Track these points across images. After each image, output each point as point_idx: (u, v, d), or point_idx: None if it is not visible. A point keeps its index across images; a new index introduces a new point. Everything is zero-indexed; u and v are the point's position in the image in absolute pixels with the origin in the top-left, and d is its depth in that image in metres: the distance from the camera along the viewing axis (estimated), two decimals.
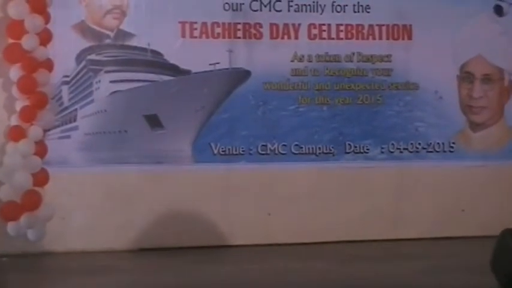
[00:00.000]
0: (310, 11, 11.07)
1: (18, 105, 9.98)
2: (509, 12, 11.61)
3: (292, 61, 11.03)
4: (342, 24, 11.17)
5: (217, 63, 10.79)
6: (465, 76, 11.52)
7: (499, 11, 11.61)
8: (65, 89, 10.49)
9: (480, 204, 10.96)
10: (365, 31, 11.23)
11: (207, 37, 10.82)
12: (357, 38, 11.20)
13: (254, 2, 10.96)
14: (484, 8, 11.56)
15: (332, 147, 11.15)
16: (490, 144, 11.56)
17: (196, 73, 10.77)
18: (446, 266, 8.45)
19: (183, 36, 10.77)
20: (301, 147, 11.05)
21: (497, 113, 11.63)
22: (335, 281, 7.80)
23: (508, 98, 11.64)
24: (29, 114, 9.96)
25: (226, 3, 10.87)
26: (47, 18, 10.16)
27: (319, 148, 11.10)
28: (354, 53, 11.21)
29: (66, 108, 10.49)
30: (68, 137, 10.46)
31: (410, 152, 11.32)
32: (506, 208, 10.67)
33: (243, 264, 9.18)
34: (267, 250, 10.09)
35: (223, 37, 10.86)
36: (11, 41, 10.04)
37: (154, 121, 10.70)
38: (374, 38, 11.26)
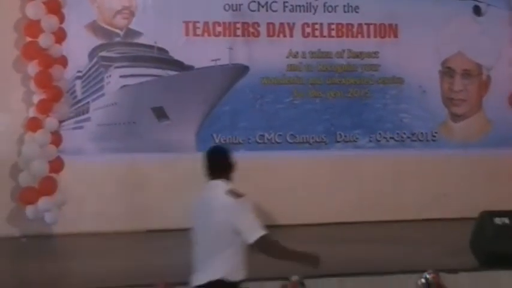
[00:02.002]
0: (304, 11, 11.06)
1: (36, 99, 10.00)
2: (487, 12, 11.60)
3: (287, 57, 11.02)
4: (333, 23, 11.16)
5: (218, 59, 10.79)
6: (446, 71, 11.51)
7: (477, 11, 11.60)
8: (78, 83, 10.48)
9: (460, 189, 10.95)
10: (354, 30, 11.21)
11: (209, 35, 10.81)
12: (347, 36, 11.19)
13: (252, 3, 10.94)
14: (464, 8, 11.55)
15: (324, 137, 11.14)
16: (469, 134, 11.55)
17: (199, 68, 10.76)
18: (429, 246, 8.43)
19: (187, 34, 10.76)
20: (296, 137, 11.04)
21: (476, 105, 11.62)
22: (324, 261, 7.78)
23: (486, 92, 11.63)
24: (45, 107, 9.98)
25: (227, 4, 10.86)
26: (62, 18, 10.17)
27: (313, 138, 11.09)
28: (344, 50, 11.19)
29: (80, 101, 10.48)
30: (81, 127, 10.46)
31: (396, 141, 11.32)
32: (484, 192, 10.64)
33: None
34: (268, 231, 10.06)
35: (224, 35, 10.86)
36: (28, 39, 10.06)
37: (160, 113, 10.68)
38: (363, 36, 11.25)
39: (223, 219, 4.87)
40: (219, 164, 5.20)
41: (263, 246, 4.86)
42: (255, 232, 4.85)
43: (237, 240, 4.85)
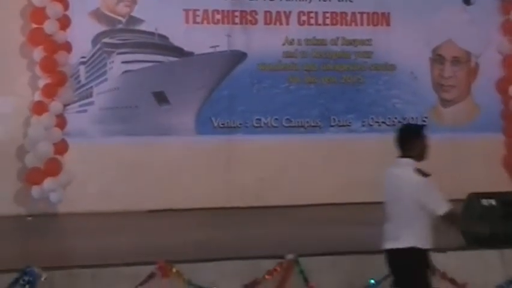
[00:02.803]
0: (300, 0, 11.02)
1: (41, 83, 9.99)
2: (475, 1, 11.57)
3: (283, 44, 10.99)
4: (327, 12, 11.13)
5: (217, 46, 10.76)
6: (437, 58, 11.49)
7: (467, 0, 11.57)
8: (82, 68, 10.45)
9: (449, 171, 10.92)
10: (348, 18, 11.18)
11: (208, 23, 10.77)
12: (341, 24, 11.16)
13: None
14: None
15: (319, 121, 11.13)
16: (458, 118, 11.53)
17: (198, 55, 10.73)
18: None
19: (187, 22, 10.73)
20: (292, 121, 11.03)
21: (465, 90, 11.61)
22: (318, 240, 7.80)
23: (474, 78, 11.61)
24: (50, 91, 9.97)
25: None
26: (66, 6, 10.14)
27: (307, 122, 11.08)
28: (338, 38, 11.16)
29: (83, 85, 10.45)
30: (85, 111, 10.44)
31: (388, 125, 11.29)
32: (472, 175, 10.64)
33: (238, 224, 9.17)
34: (259, 212, 10.07)
35: (223, 23, 10.82)
36: (34, 26, 10.03)
37: (161, 97, 10.67)
38: (356, 24, 11.22)
39: (412, 195, 5.30)
40: (408, 143, 5.45)
41: (450, 218, 5.32)
42: (442, 206, 5.28)
43: (425, 214, 5.27)
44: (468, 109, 11.61)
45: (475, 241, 6.79)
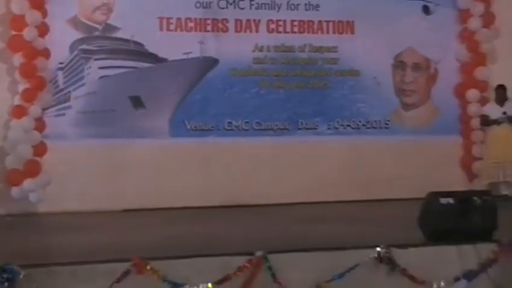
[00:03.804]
0: (269, 9, 11.05)
1: (20, 88, 9.93)
2: (435, 11, 11.66)
3: (253, 51, 11.01)
4: (295, 20, 11.16)
5: (190, 52, 10.75)
6: (398, 64, 11.56)
7: (426, 10, 11.66)
8: (60, 73, 10.39)
9: (410, 171, 11.01)
10: (315, 26, 11.22)
11: (181, 30, 10.76)
12: (308, 32, 11.20)
13: (221, 1, 10.91)
14: (414, 7, 11.60)
15: (287, 124, 11.15)
16: (419, 121, 11.62)
17: (172, 61, 10.71)
18: (381, 224, 8.49)
19: (161, 29, 10.71)
20: (261, 124, 11.04)
21: (425, 95, 11.69)
22: (286, 238, 7.81)
23: (434, 83, 11.70)
24: (29, 95, 9.90)
25: (198, 1, 10.82)
26: (45, 13, 10.10)
27: (276, 125, 11.10)
28: (305, 45, 11.20)
29: (61, 90, 10.39)
30: (63, 114, 10.38)
31: (353, 128, 11.36)
32: (431, 174, 10.71)
33: (211, 223, 9.17)
34: (230, 211, 10.07)
35: (195, 30, 10.81)
36: (13, 32, 9.96)
37: (137, 102, 10.63)
38: (322, 32, 11.26)
39: None
40: None
41: None
42: None
43: None
44: (428, 112, 11.69)
45: (434, 237, 6.84)
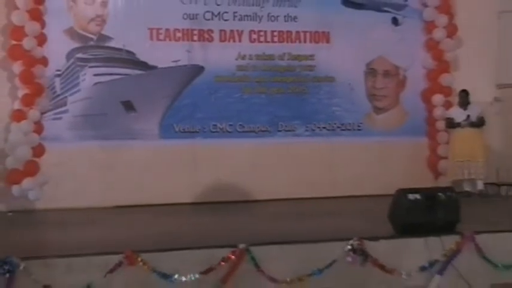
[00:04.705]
0: (251, 20, 11.05)
1: (20, 93, 9.89)
2: (403, 23, 11.70)
3: (237, 59, 11.00)
4: (275, 31, 11.16)
5: (178, 60, 10.73)
6: (370, 72, 11.59)
7: (395, 22, 11.70)
8: (57, 80, 10.34)
9: (381, 170, 11.05)
10: (293, 36, 11.23)
11: (170, 40, 10.73)
12: (287, 42, 11.20)
13: (207, 13, 10.89)
14: (385, 19, 11.63)
15: (268, 127, 11.15)
16: (389, 124, 11.64)
17: (161, 68, 10.69)
18: (354, 218, 8.50)
19: (151, 39, 10.68)
20: (244, 127, 11.04)
21: (395, 100, 11.72)
22: (267, 231, 7.81)
23: (402, 89, 11.74)
24: (28, 100, 9.86)
25: (185, 13, 10.80)
26: (43, 25, 10.06)
27: (258, 127, 11.10)
28: (285, 53, 11.21)
29: (58, 95, 10.34)
30: (60, 118, 10.33)
31: (329, 130, 11.38)
32: (400, 173, 10.75)
33: (197, 218, 9.15)
34: (215, 207, 10.05)
35: (183, 40, 10.79)
36: (13, 42, 9.92)
37: (128, 106, 10.60)
38: (300, 42, 11.27)
39: None
40: None
41: None
42: None
43: None
44: (397, 116, 11.73)
45: (403, 230, 6.86)
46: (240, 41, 11.03)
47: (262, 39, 11.13)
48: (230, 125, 10.98)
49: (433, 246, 6.67)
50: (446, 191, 7.12)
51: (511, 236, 6.99)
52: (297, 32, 11.25)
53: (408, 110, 11.70)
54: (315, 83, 11.33)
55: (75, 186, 10.04)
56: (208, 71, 10.83)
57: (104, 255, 6.11)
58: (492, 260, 6.75)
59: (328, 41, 11.38)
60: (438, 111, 11.52)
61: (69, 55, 10.40)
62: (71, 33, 10.43)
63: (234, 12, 11.00)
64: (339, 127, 11.42)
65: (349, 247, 6.44)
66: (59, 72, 10.34)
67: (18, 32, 9.87)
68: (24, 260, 5.83)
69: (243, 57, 11.04)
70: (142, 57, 10.60)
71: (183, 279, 6.07)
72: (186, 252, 6.26)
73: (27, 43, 9.85)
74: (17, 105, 9.86)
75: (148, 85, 10.61)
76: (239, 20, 11.02)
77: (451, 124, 10.97)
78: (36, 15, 9.97)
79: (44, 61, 10.06)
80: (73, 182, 10.06)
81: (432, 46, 11.65)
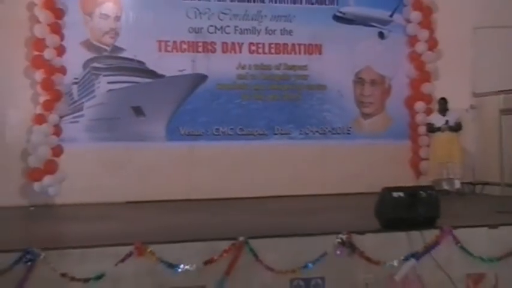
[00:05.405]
0: (250, 34, 11.05)
1: (41, 99, 9.91)
2: (388, 36, 11.70)
3: (237, 69, 11.00)
4: (272, 43, 11.16)
5: (184, 69, 10.74)
6: (358, 80, 11.59)
7: (381, 35, 11.70)
8: (74, 87, 10.35)
9: (368, 170, 11.03)
10: (289, 48, 11.22)
11: (177, 51, 10.74)
12: (283, 53, 11.19)
13: (210, 27, 10.90)
14: (372, 33, 11.62)
15: (265, 130, 11.14)
16: (375, 128, 11.63)
17: (169, 77, 10.69)
18: (344, 214, 8.49)
19: (160, 50, 10.68)
20: (243, 130, 11.03)
21: (381, 106, 11.71)
22: (263, 226, 7.79)
23: (388, 96, 11.73)
24: (48, 105, 9.88)
25: (190, 27, 10.81)
26: (62, 37, 10.08)
27: (256, 130, 11.09)
28: (281, 64, 11.20)
29: (76, 101, 10.35)
30: (77, 121, 10.33)
31: (320, 134, 11.37)
32: (386, 173, 10.71)
33: (201, 213, 9.13)
34: (217, 203, 10.04)
35: (188, 51, 10.79)
36: (36, 53, 9.94)
37: (138, 111, 10.60)
38: (295, 53, 11.26)
39: None
40: None
41: None
42: None
43: None
44: (383, 121, 11.72)
45: (388, 225, 6.85)
46: (240, 52, 11.03)
47: (260, 50, 11.13)
48: (231, 128, 10.97)
49: (415, 240, 6.67)
50: (427, 189, 7.12)
51: (485, 230, 7.00)
52: (292, 45, 11.24)
53: (393, 116, 11.70)
54: (308, 90, 11.33)
55: (90, 183, 10.03)
56: (211, 79, 10.83)
57: (116, 246, 6.11)
58: (469, 250, 6.76)
59: (320, 53, 11.37)
60: (420, 117, 11.51)
61: (86, 65, 10.41)
62: (87, 44, 10.44)
63: (235, 26, 11.00)
64: (329, 131, 11.42)
65: (339, 240, 6.44)
66: (76, 80, 10.34)
67: (39, 43, 9.88)
68: (44, 250, 5.84)
69: (243, 67, 11.04)
70: (151, 66, 10.61)
71: (188, 268, 6.07)
72: (189, 244, 6.27)
73: (48, 54, 9.86)
74: (38, 109, 9.88)
75: (156, 92, 10.61)
76: (239, 33, 11.02)
77: (431, 129, 10.97)
78: (56, 28, 9.99)
79: (62, 70, 10.07)
80: (88, 179, 10.05)
81: (415, 58, 11.65)
